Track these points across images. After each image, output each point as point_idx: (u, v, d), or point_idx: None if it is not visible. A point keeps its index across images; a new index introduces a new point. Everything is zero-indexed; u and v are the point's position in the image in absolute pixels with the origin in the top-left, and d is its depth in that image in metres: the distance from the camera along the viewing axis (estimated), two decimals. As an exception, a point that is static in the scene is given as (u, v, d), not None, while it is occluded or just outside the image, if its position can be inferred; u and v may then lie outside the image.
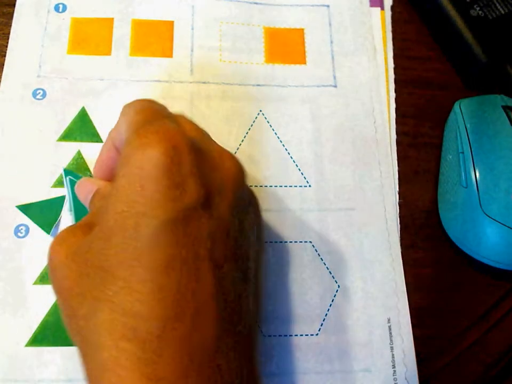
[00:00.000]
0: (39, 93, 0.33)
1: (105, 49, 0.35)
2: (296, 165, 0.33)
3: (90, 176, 0.31)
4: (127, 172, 0.20)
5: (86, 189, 0.26)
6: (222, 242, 0.20)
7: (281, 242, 0.31)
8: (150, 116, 0.22)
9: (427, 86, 0.36)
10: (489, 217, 0.30)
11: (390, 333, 0.29)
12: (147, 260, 0.18)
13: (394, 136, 0.35)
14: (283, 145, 0.33)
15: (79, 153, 0.32)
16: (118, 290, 0.19)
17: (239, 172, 0.23)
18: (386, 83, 0.36)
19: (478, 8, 0.35)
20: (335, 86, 0.35)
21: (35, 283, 0.29)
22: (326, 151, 0.33)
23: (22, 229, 0.30)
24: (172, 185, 0.19)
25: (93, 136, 0.32)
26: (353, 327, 0.29)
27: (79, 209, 0.29)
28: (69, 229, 0.22)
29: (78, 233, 0.21)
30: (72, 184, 0.29)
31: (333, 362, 0.29)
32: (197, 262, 0.19)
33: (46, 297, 0.28)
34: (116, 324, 0.18)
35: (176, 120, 0.23)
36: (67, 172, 0.30)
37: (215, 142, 0.24)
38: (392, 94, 0.36)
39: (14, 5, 0.35)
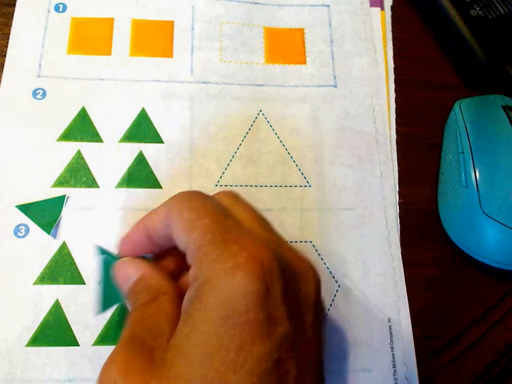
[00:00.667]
0: (39, 93, 0.33)
1: (105, 49, 0.35)
2: (296, 165, 0.33)
3: (92, 177, 0.31)
4: (212, 300, 0.18)
5: (126, 272, 0.23)
6: (308, 370, 0.19)
7: (281, 242, 0.31)
8: (217, 217, 0.20)
9: (427, 86, 0.36)
10: (489, 217, 0.30)
11: (390, 333, 0.29)
12: None
13: (394, 136, 0.35)
14: (283, 145, 0.33)
15: (79, 153, 0.32)
16: None
17: (319, 286, 0.21)
18: (386, 83, 0.36)
19: (478, 8, 0.35)
20: (335, 86, 0.35)
21: (35, 283, 0.29)
22: (326, 151, 0.33)
23: (22, 229, 0.30)
24: (265, 322, 0.18)
25: (93, 136, 0.32)
26: (354, 327, 0.29)
27: (109, 288, 0.25)
28: (126, 360, 0.19)
29: (141, 369, 0.19)
30: (106, 265, 0.25)
31: (333, 362, 0.29)
32: None
33: (46, 297, 0.28)
34: None
35: (240, 213, 0.21)
36: (101, 250, 0.26)
37: (281, 237, 0.22)
38: (392, 94, 0.36)
39: (14, 5, 0.35)
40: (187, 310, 0.19)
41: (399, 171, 0.34)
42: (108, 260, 0.25)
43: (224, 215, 0.21)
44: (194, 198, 0.22)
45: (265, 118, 0.34)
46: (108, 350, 0.27)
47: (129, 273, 0.23)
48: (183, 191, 0.23)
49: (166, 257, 0.24)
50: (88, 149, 0.32)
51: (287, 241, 0.22)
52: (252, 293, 0.18)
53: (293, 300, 0.19)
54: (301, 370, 0.19)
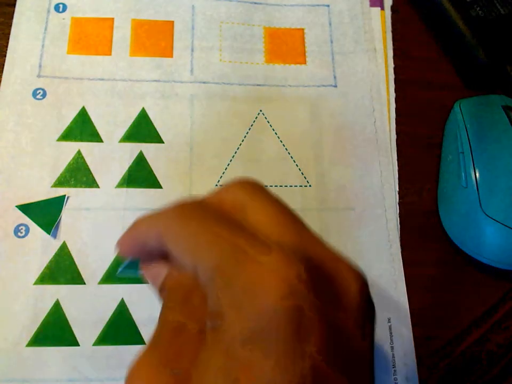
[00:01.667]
0: (39, 93, 0.33)
1: (105, 49, 0.35)
2: (297, 165, 0.33)
3: (92, 177, 0.31)
4: (236, 324, 0.16)
5: (156, 270, 0.21)
6: None
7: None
8: (225, 233, 0.17)
9: (427, 86, 0.36)
10: (489, 217, 0.30)
11: (391, 333, 0.29)
12: None
13: (394, 136, 0.35)
14: (283, 145, 0.33)
15: (79, 153, 0.32)
16: None
17: (365, 289, 0.18)
18: (386, 83, 0.36)
19: (478, 8, 0.35)
20: (335, 86, 0.35)
21: (35, 283, 0.29)
22: (326, 151, 0.33)
23: (22, 229, 0.30)
24: (297, 346, 0.15)
25: (93, 136, 0.32)
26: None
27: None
28: (155, 371, 0.17)
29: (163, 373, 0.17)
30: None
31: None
32: None
33: (46, 297, 0.28)
34: None
35: (257, 208, 0.18)
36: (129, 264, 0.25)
37: (314, 234, 0.19)
38: (392, 94, 0.36)
39: (14, 5, 0.35)
40: (209, 336, 0.17)
41: (399, 171, 0.34)
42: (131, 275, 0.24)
43: (231, 232, 0.17)
44: (187, 210, 0.19)
45: (265, 118, 0.34)
46: (108, 350, 0.28)
47: (158, 271, 0.21)
48: (176, 205, 0.19)
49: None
50: (88, 149, 0.32)
51: (320, 238, 0.19)
52: (277, 314, 0.16)
53: (329, 312, 0.17)
54: None
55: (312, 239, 0.19)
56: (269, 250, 0.16)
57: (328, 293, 0.17)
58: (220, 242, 0.17)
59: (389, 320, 0.30)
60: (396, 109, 0.35)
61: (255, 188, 0.19)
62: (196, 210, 0.19)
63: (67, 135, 0.32)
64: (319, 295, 0.16)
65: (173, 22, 0.36)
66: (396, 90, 0.36)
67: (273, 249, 0.16)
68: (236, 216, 0.18)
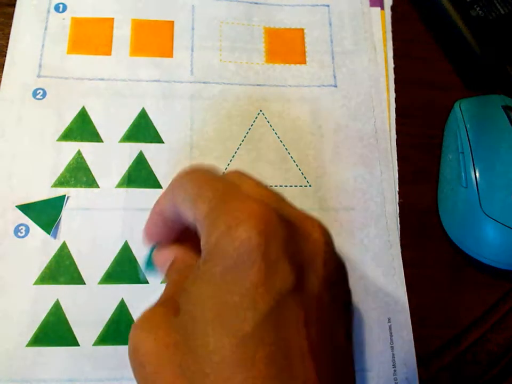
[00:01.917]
0: (39, 93, 0.33)
1: (105, 49, 0.35)
2: (297, 165, 0.33)
3: (92, 177, 0.31)
4: (218, 256, 0.19)
5: (164, 257, 0.25)
6: (318, 325, 0.19)
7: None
8: (221, 187, 0.21)
9: (427, 86, 0.36)
10: (489, 217, 0.30)
11: (391, 333, 0.29)
12: (251, 361, 0.17)
13: (394, 136, 0.35)
14: (283, 145, 0.33)
15: (79, 153, 0.32)
16: None
17: (328, 242, 0.21)
18: (386, 83, 0.36)
19: (478, 8, 0.35)
20: (335, 86, 0.35)
21: (35, 283, 0.29)
22: (326, 151, 0.33)
23: (22, 229, 0.30)
24: (268, 270, 0.18)
25: (93, 136, 0.32)
26: (354, 327, 0.29)
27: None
28: (152, 312, 0.21)
29: (164, 319, 0.20)
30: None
31: (333, 362, 0.29)
32: (296, 355, 0.18)
33: (46, 297, 0.28)
34: None
35: (246, 184, 0.22)
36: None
37: (291, 204, 0.23)
38: (392, 94, 0.36)
39: (14, 5, 0.35)
40: (197, 271, 0.20)
41: (399, 171, 0.34)
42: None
43: (227, 184, 0.21)
44: (196, 171, 0.22)
45: (265, 118, 0.34)
46: (108, 350, 0.28)
47: (166, 257, 0.24)
48: (182, 172, 0.22)
49: (194, 237, 0.25)
50: (88, 149, 0.32)
51: (296, 207, 0.23)
52: (253, 245, 0.18)
53: (295, 257, 0.19)
54: (303, 324, 0.19)
55: (286, 202, 0.22)
56: (251, 199, 0.20)
57: (294, 242, 0.20)
58: (213, 193, 0.20)
59: (389, 320, 0.30)
60: (395, 109, 0.35)
61: (243, 172, 0.23)
62: (198, 167, 0.22)
63: (67, 135, 0.32)
64: (288, 238, 0.19)
65: (173, 22, 0.36)
66: (396, 90, 0.36)
67: (254, 199, 0.20)
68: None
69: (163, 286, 0.29)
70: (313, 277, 0.20)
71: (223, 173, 0.31)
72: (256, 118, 0.34)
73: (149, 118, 0.33)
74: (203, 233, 0.20)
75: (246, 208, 0.19)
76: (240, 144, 0.33)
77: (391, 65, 0.37)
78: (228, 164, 0.32)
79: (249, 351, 0.18)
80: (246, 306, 0.18)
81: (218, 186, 0.21)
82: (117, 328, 0.28)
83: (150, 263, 0.26)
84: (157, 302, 0.22)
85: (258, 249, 0.18)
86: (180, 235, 0.25)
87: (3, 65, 0.33)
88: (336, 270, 0.22)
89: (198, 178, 0.22)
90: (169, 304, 0.21)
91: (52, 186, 0.31)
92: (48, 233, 0.30)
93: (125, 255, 0.30)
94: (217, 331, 0.18)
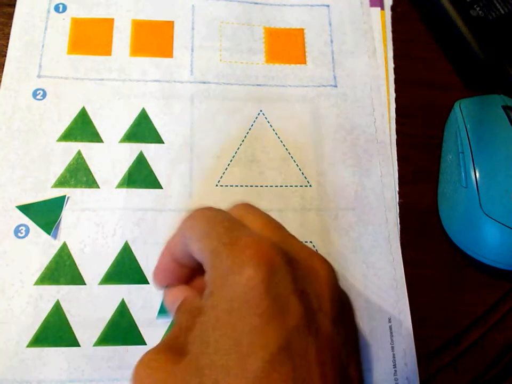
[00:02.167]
0: (39, 93, 0.33)
1: (105, 49, 0.35)
2: (297, 165, 0.33)
3: (92, 178, 0.31)
4: (224, 296, 0.19)
5: (173, 297, 0.25)
6: (331, 364, 0.19)
7: (281, 242, 0.31)
8: (227, 224, 0.21)
9: (427, 86, 0.36)
10: (489, 217, 0.30)
11: (391, 333, 0.29)
12: None
13: (394, 136, 0.35)
14: (283, 145, 0.33)
15: (79, 153, 0.32)
16: None
17: (333, 277, 0.22)
18: (386, 83, 0.36)
19: (478, 8, 0.35)
20: (335, 86, 0.35)
21: (36, 283, 0.29)
22: (326, 151, 0.34)
23: (22, 229, 0.30)
24: (276, 309, 0.18)
25: (93, 136, 0.32)
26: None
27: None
28: (156, 353, 0.21)
29: (167, 360, 0.20)
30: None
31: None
32: None
33: (46, 298, 0.28)
34: None
35: (252, 218, 0.22)
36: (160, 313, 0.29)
37: (295, 238, 0.23)
38: (392, 94, 0.36)
39: (14, 5, 0.35)
40: (202, 308, 0.20)
41: (399, 171, 0.34)
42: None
43: (234, 223, 0.22)
44: (205, 211, 0.23)
45: (265, 118, 0.34)
46: (108, 350, 0.28)
47: (176, 297, 0.24)
48: (193, 211, 0.23)
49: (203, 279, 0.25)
50: (88, 149, 0.32)
51: (300, 241, 0.23)
52: (258, 285, 0.18)
53: (303, 295, 0.19)
54: (322, 364, 0.19)
55: (290, 238, 0.23)
56: (256, 237, 0.20)
57: (301, 280, 0.20)
58: (219, 231, 0.21)
59: (389, 320, 0.30)
60: (395, 109, 0.35)
61: (249, 206, 0.24)
62: (205, 210, 0.23)
63: (67, 135, 0.32)
64: (294, 276, 0.20)
65: (173, 22, 0.36)
66: (396, 90, 0.36)
67: (260, 237, 0.20)
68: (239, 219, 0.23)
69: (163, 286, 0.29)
70: (321, 316, 0.20)
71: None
72: (256, 118, 0.34)
73: (149, 118, 0.33)
74: (208, 268, 0.21)
75: (251, 245, 0.20)
76: (240, 144, 0.33)
77: (391, 65, 0.37)
78: (228, 164, 0.32)
79: None
80: (256, 346, 0.18)
81: (224, 224, 0.21)
82: (118, 329, 0.28)
83: (163, 309, 0.27)
84: (163, 341, 0.22)
85: (265, 287, 0.18)
86: (189, 277, 0.25)
87: (3, 65, 0.33)
88: (343, 308, 0.22)
89: (206, 217, 0.22)
90: (173, 346, 0.20)
91: (52, 187, 0.31)
92: (49, 233, 0.30)
93: (125, 255, 0.30)
94: (227, 377, 0.18)
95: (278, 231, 0.23)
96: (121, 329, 0.28)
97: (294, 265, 0.20)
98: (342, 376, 0.20)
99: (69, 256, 0.29)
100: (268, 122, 0.34)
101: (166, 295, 0.26)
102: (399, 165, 0.34)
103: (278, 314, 0.18)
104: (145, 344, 0.28)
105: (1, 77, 0.33)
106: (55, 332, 0.28)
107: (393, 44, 0.37)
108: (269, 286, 0.19)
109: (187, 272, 0.25)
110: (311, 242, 0.31)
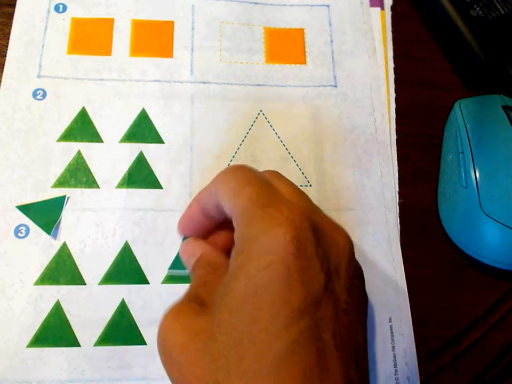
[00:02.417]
0: (39, 93, 0.33)
1: (105, 49, 0.35)
2: (297, 165, 0.33)
3: (92, 178, 0.31)
4: (254, 252, 0.20)
5: (190, 251, 0.26)
6: (345, 331, 0.20)
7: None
8: (260, 186, 0.22)
9: (427, 86, 0.36)
10: (489, 217, 0.30)
11: (392, 333, 0.29)
12: (285, 368, 0.18)
13: (394, 136, 0.35)
14: (283, 145, 0.33)
15: (79, 153, 0.32)
16: None
17: (351, 249, 0.23)
18: (386, 83, 0.36)
19: (478, 8, 0.35)
20: (335, 86, 0.35)
21: (36, 283, 0.29)
22: (327, 151, 0.34)
23: (22, 229, 0.30)
24: (301, 276, 0.19)
25: (93, 136, 0.32)
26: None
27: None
28: (179, 306, 0.22)
29: (191, 312, 0.21)
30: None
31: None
32: (326, 357, 0.19)
33: (46, 298, 0.28)
34: None
35: (283, 186, 0.24)
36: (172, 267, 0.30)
37: (318, 208, 0.25)
38: (392, 94, 0.36)
39: (14, 5, 0.35)
40: (231, 265, 0.21)
41: (399, 171, 0.34)
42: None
43: (266, 185, 0.23)
44: (239, 169, 0.24)
45: (265, 118, 0.34)
46: (108, 350, 0.28)
47: (193, 252, 0.26)
48: (226, 169, 0.24)
49: (221, 235, 0.26)
50: (88, 149, 0.32)
51: (322, 211, 0.24)
52: (288, 246, 0.20)
53: (324, 262, 0.21)
54: (332, 331, 0.20)
55: (315, 206, 0.25)
56: (288, 203, 0.21)
57: (323, 246, 0.21)
58: (253, 191, 0.22)
59: (390, 320, 0.30)
60: (395, 109, 0.35)
61: (279, 174, 0.25)
62: (243, 166, 0.24)
63: (67, 135, 0.32)
64: (319, 244, 0.21)
65: (173, 22, 0.36)
66: (396, 90, 0.36)
67: (291, 203, 0.21)
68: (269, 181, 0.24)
69: (163, 286, 0.29)
70: (338, 283, 0.21)
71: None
72: (256, 118, 0.34)
73: (149, 118, 0.33)
74: (239, 226, 0.22)
75: (284, 211, 0.21)
76: (240, 144, 0.33)
77: (391, 65, 0.37)
78: (228, 164, 0.32)
79: (284, 362, 0.18)
80: (282, 306, 0.19)
81: (259, 185, 0.22)
82: (118, 329, 0.28)
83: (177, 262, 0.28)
84: (183, 296, 0.23)
85: (292, 253, 0.19)
86: (210, 231, 0.26)
87: (3, 65, 0.33)
88: (357, 275, 0.23)
89: (241, 175, 0.23)
90: (195, 299, 0.22)
91: (52, 187, 0.31)
92: (49, 233, 0.30)
93: (125, 255, 0.30)
94: (248, 334, 0.19)
95: (305, 199, 0.24)
96: (121, 329, 0.28)
97: (319, 233, 0.21)
98: (354, 343, 0.21)
99: (69, 256, 0.29)
100: (268, 122, 0.34)
101: (183, 249, 0.27)
102: (399, 165, 0.34)
103: (303, 282, 0.19)
104: (145, 344, 0.28)
105: (1, 77, 0.33)
106: (55, 332, 0.28)
107: (393, 44, 0.37)
108: (296, 252, 0.20)
109: (210, 225, 0.26)
110: (311, 242, 0.31)
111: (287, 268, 0.19)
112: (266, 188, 0.22)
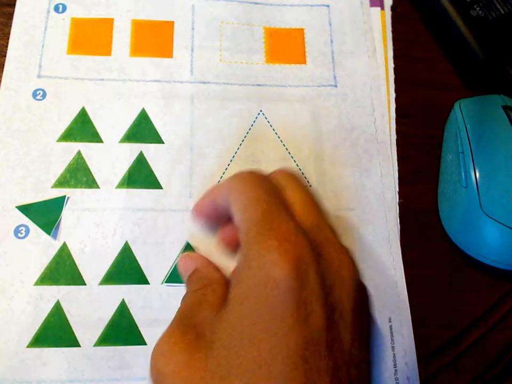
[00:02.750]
0: (39, 93, 0.33)
1: (105, 49, 0.35)
2: (297, 165, 0.33)
3: (92, 178, 0.31)
4: (252, 292, 0.20)
5: (186, 265, 0.27)
6: (345, 376, 0.20)
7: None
8: (267, 205, 0.22)
9: (427, 86, 0.36)
10: (489, 217, 0.30)
11: (391, 333, 0.29)
12: None
13: (394, 136, 0.35)
14: (283, 145, 0.33)
15: (79, 153, 0.32)
16: None
17: (355, 275, 0.22)
18: (386, 83, 0.36)
19: (478, 8, 0.35)
20: (335, 86, 0.35)
21: (36, 284, 0.29)
22: (326, 151, 0.34)
23: (22, 229, 0.30)
24: (300, 315, 0.19)
25: (93, 136, 0.32)
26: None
27: None
28: (170, 336, 0.22)
29: (183, 345, 0.21)
30: None
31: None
32: None
33: (46, 298, 0.28)
34: None
35: (290, 189, 0.24)
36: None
37: (327, 223, 0.24)
38: (392, 94, 0.36)
39: (14, 5, 0.35)
40: (230, 289, 0.21)
41: (399, 171, 0.34)
42: None
43: (274, 202, 0.23)
44: (251, 181, 0.24)
45: (265, 118, 0.34)
46: (108, 350, 0.28)
47: (188, 265, 0.27)
48: (242, 171, 0.25)
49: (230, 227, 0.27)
50: (88, 149, 0.32)
51: (331, 226, 0.24)
52: (287, 279, 0.19)
53: (327, 300, 0.20)
54: (333, 367, 0.19)
55: (323, 222, 0.24)
56: (290, 224, 0.21)
57: (326, 278, 0.21)
58: (257, 212, 0.22)
59: (389, 320, 0.30)
60: (395, 109, 0.35)
61: (292, 175, 0.25)
62: (253, 177, 0.24)
63: (67, 135, 0.32)
64: (320, 277, 0.20)
65: (173, 22, 0.36)
66: (396, 90, 0.36)
67: (294, 230, 0.21)
68: (279, 193, 0.24)
69: (163, 286, 0.29)
70: (342, 326, 0.20)
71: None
72: (256, 118, 0.34)
73: (149, 118, 0.33)
74: (243, 244, 0.22)
75: (287, 236, 0.20)
76: (240, 144, 0.33)
77: (391, 65, 0.37)
78: (228, 164, 0.32)
79: None
80: (278, 348, 0.18)
81: (268, 203, 0.22)
82: (118, 329, 0.28)
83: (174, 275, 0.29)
84: (175, 321, 0.23)
85: (292, 290, 0.19)
86: (224, 220, 0.27)
87: (3, 65, 0.33)
88: (363, 309, 0.23)
89: (253, 189, 0.23)
90: (186, 324, 0.21)
91: (52, 187, 0.31)
92: (49, 233, 0.30)
93: (125, 255, 0.30)
94: (247, 371, 0.18)
95: (313, 213, 0.23)
96: (121, 329, 0.28)
97: (322, 264, 0.21)
98: (355, 363, 0.20)
99: (69, 256, 0.29)
100: (268, 122, 0.34)
101: (180, 262, 0.28)
102: (399, 165, 0.34)
103: (301, 322, 0.19)
104: (145, 344, 0.28)
105: (1, 77, 0.33)
106: (55, 332, 0.28)
107: (393, 44, 0.37)
108: (296, 289, 0.19)
109: (220, 217, 0.27)
110: (311, 242, 0.31)
111: (283, 315, 0.19)
112: (274, 206, 0.22)
